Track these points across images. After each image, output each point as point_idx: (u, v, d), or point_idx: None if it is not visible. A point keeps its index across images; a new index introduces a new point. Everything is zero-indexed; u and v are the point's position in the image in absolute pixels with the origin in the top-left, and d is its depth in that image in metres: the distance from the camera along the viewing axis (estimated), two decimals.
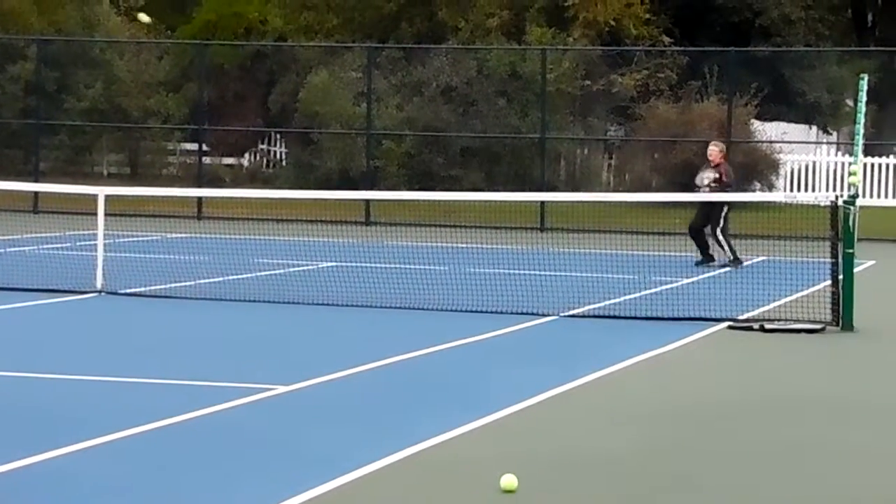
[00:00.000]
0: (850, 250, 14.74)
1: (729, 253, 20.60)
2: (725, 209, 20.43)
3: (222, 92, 37.43)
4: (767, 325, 14.51)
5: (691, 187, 21.26)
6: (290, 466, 8.37)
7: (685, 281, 18.61)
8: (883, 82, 34.54)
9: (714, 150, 21.02)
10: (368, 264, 19.41)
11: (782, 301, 16.27)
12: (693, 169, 30.59)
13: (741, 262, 20.49)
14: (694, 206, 21.21)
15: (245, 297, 16.01)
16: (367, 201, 28.16)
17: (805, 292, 16.68)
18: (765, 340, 13.98)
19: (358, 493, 7.84)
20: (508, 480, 7.47)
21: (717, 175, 20.61)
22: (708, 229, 20.68)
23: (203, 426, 9.45)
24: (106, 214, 17.02)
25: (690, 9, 38.06)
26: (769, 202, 28.19)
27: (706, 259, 20.73)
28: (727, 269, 20.28)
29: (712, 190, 20.49)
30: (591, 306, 15.76)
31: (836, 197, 15.17)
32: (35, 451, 8.42)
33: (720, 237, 20.57)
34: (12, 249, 20.83)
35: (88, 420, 9.49)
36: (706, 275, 19.47)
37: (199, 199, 28.69)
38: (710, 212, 20.42)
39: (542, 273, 18.76)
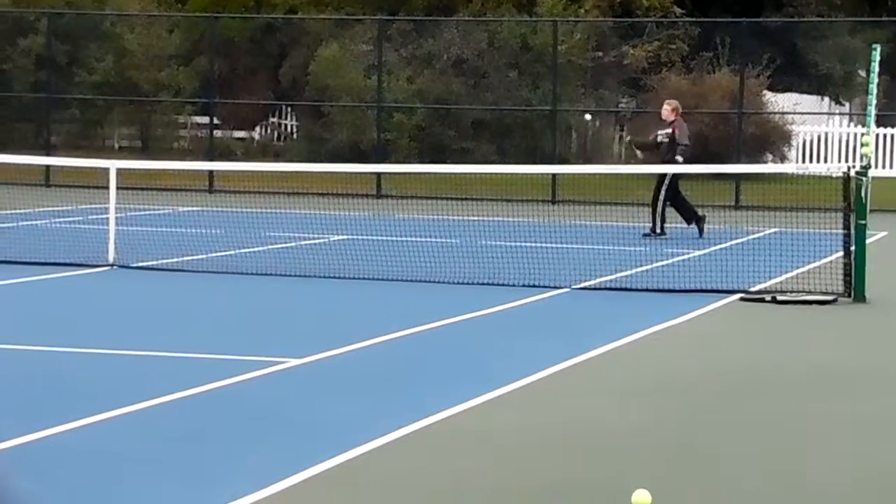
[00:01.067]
0: (863, 221, 14.71)
1: (659, 223, 20.78)
2: (670, 176, 20.64)
3: (233, 65, 37.37)
4: (779, 297, 14.50)
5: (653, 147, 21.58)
6: (302, 439, 8.39)
7: (697, 253, 18.59)
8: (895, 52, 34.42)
9: (666, 108, 21.32)
10: (379, 237, 19.41)
11: (794, 272, 16.25)
12: (704, 141, 30.65)
13: (664, 235, 20.66)
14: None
15: (256, 271, 16.02)
16: (378, 174, 28.16)
17: (817, 264, 16.66)
18: (777, 312, 13.97)
19: (369, 466, 7.86)
20: (641, 497, 7.01)
21: (670, 131, 20.86)
22: (663, 197, 20.88)
23: (215, 399, 9.47)
24: (117, 188, 17.03)
25: None
26: (781, 173, 28.17)
27: (698, 223, 20.83)
28: (648, 237, 20.62)
29: (661, 144, 20.84)
30: (603, 279, 15.75)
31: (849, 168, 15.14)
32: (52, 424, 8.44)
33: (660, 205, 20.79)
34: (24, 223, 20.87)
35: (102, 393, 9.51)
36: (718, 246, 19.45)
37: (211, 172, 28.67)
38: (659, 178, 20.81)
39: (554, 245, 18.75)
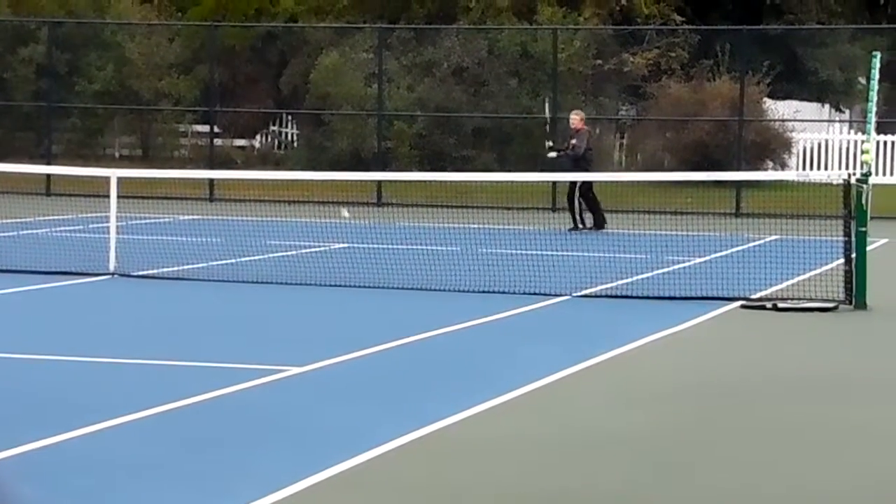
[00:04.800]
0: (863, 228, 14.72)
1: (578, 219, 22.85)
2: (576, 179, 22.62)
3: (233, 73, 37.40)
4: (780, 304, 14.49)
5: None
6: (304, 446, 8.39)
7: (698, 260, 18.59)
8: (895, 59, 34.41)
9: (574, 118, 23.45)
10: (380, 245, 19.41)
11: (795, 280, 16.26)
12: (705, 148, 30.68)
13: (580, 230, 22.70)
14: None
15: (257, 279, 16.02)
16: (379, 182, 28.17)
17: (818, 271, 16.66)
18: (778, 319, 13.97)
19: (372, 473, 7.86)
20: None
21: (577, 140, 23.00)
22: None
23: (217, 407, 9.47)
24: (118, 197, 17.04)
25: None
26: (782, 181, 28.15)
27: (599, 224, 22.71)
28: (574, 230, 22.67)
29: (563, 153, 23.07)
30: (604, 286, 15.76)
31: (849, 175, 15.14)
32: (54, 432, 8.44)
33: (576, 202, 22.94)
34: (25, 232, 20.88)
35: (104, 402, 9.51)
36: (718, 254, 19.45)
37: (211, 180, 28.69)
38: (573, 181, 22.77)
39: (555, 253, 18.75)
